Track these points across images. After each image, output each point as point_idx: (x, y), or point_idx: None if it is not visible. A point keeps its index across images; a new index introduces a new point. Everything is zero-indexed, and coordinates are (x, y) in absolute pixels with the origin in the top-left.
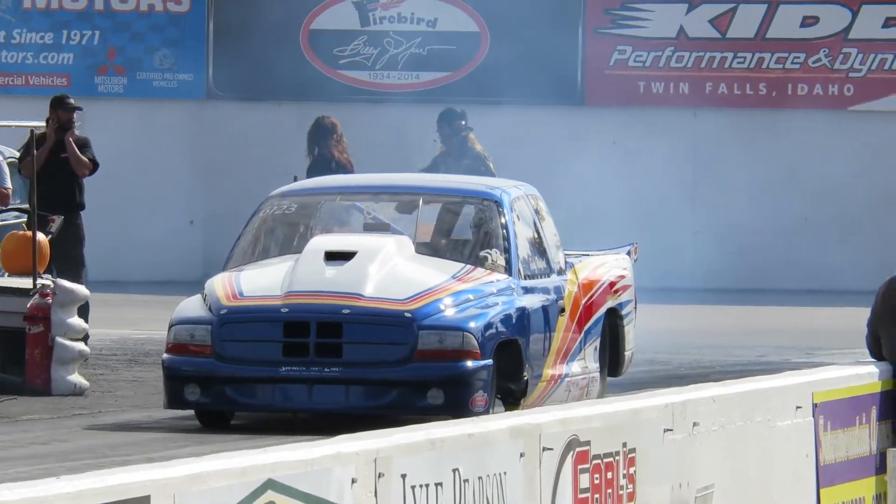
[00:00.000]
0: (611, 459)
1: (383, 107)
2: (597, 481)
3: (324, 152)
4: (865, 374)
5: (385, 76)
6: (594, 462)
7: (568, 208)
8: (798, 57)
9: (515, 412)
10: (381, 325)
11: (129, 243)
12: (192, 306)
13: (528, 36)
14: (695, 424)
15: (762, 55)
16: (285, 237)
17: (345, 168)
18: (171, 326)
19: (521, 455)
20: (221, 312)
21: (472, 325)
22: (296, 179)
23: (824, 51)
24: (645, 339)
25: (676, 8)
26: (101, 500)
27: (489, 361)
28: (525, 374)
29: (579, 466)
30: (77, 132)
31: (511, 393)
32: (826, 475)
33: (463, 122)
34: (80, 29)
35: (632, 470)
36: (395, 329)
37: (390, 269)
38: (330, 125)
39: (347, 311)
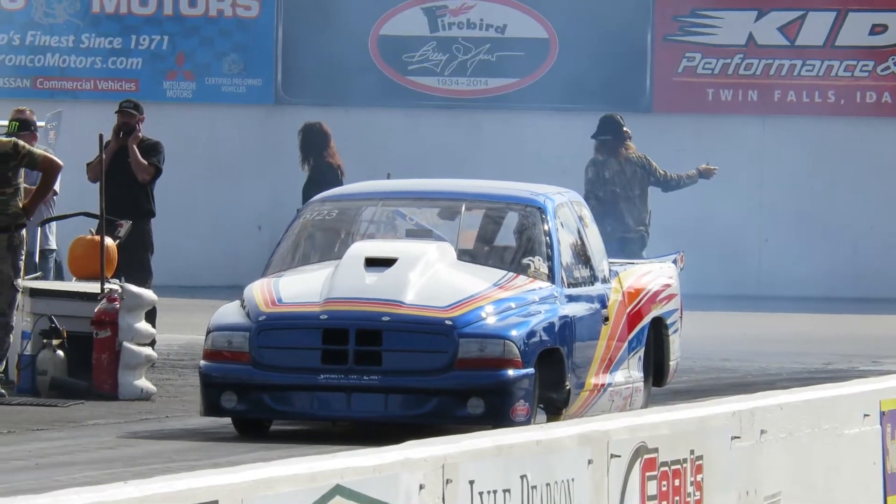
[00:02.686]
0: (678, 467)
1: (452, 113)
2: (664, 488)
3: (328, 162)
4: None
5: (454, 82)
6: (662, 469)
7: None
8: (867, 65)
9: (584, 419)
10: (421, 332)
11: (197, 248)
12: (230, 312)
13: (596, 42)
14: (762, 432)
15: (831, 63)
16: (325, 243)
17: (342, 176)
18: (208, 333)
19: (589, 462)
20: (259, 319)
21: (513, 333)
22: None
23: (893, 59)
24: (712, 346)
25: (745, 15)
26: None
27: (531, 370)
28: (567, 383)
29: (647, 473)
30: (144, 136)
31: (553, 402)
32: (893, 483)
33: (625, 129)
34: (148, 34)
35: (699, 477)
36: (435, 337)
37: (431, 276)
38: (325, 132)
39: (387, 318)
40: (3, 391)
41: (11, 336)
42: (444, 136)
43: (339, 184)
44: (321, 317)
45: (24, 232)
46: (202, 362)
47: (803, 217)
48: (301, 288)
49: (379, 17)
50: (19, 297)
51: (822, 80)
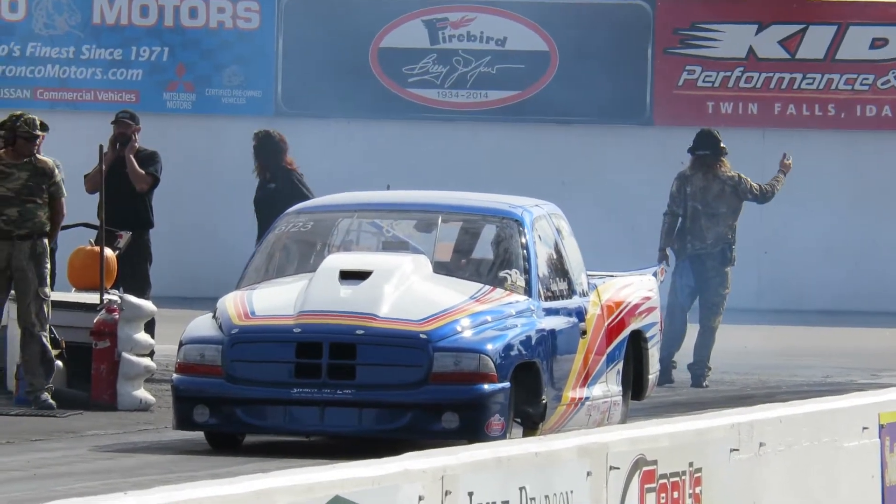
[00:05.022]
0: (677, 479)
1: (452, 125)
2: (663, 500)
3: (294, 171)
4: None
5: (454, 95)
6: (660, 481)
7: (635, 228)
8: (867, 78)
9: (583, 430)
10: (395, 346)
11: (195, 259)
12: (203, 325)
13: (597, 55)
14: (761, 445)
15: (831, 76)
16: (301, 255)
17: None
18: (181, 346)
19: (588, 474)
20: (232, 332)
21: (489, 347)
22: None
23: (893, 72)
24: (711, 358)
25: (746, 28)
26: None
27: (507, 385)
28: (544, 397)
29: (646, 486)
30: (141, 146)
31: (529, 417)
32: (892, 496)
33: (722, 146)
34: (149, 45)
35: (698, 490)
36: (409, 351)
37: (406, 289)
38: (282, 140)
39: (361, 331)
40: (53, 403)
41: (47, 347)
42: (443, 148)
43: (306, 192)
44: (294, 330)
45: (46, 241)
46: (174, 375)
47: (803, 230)
48: (275, 301)
49: (379, 29)
50: (47, 307)
51: (822, 94)
